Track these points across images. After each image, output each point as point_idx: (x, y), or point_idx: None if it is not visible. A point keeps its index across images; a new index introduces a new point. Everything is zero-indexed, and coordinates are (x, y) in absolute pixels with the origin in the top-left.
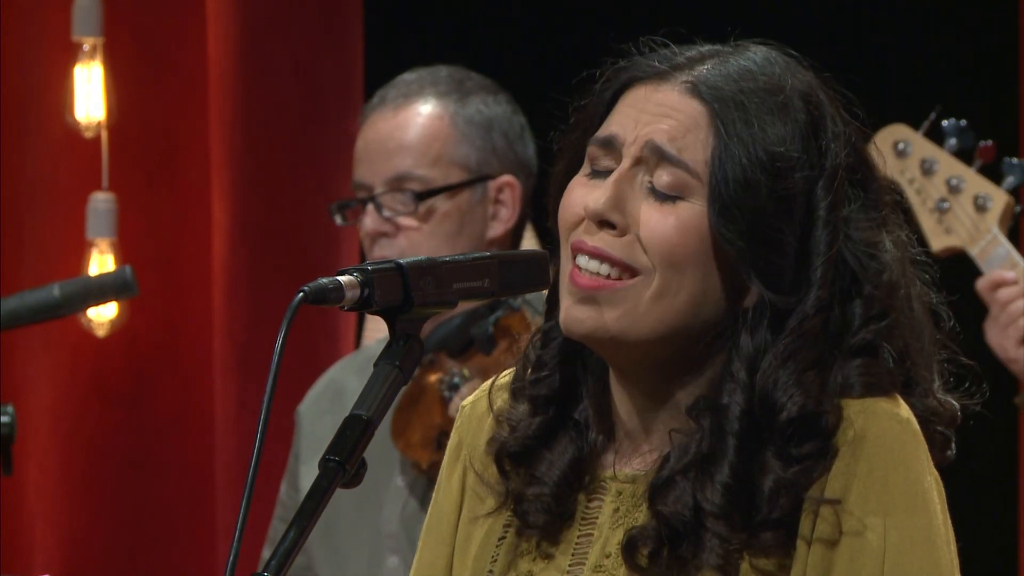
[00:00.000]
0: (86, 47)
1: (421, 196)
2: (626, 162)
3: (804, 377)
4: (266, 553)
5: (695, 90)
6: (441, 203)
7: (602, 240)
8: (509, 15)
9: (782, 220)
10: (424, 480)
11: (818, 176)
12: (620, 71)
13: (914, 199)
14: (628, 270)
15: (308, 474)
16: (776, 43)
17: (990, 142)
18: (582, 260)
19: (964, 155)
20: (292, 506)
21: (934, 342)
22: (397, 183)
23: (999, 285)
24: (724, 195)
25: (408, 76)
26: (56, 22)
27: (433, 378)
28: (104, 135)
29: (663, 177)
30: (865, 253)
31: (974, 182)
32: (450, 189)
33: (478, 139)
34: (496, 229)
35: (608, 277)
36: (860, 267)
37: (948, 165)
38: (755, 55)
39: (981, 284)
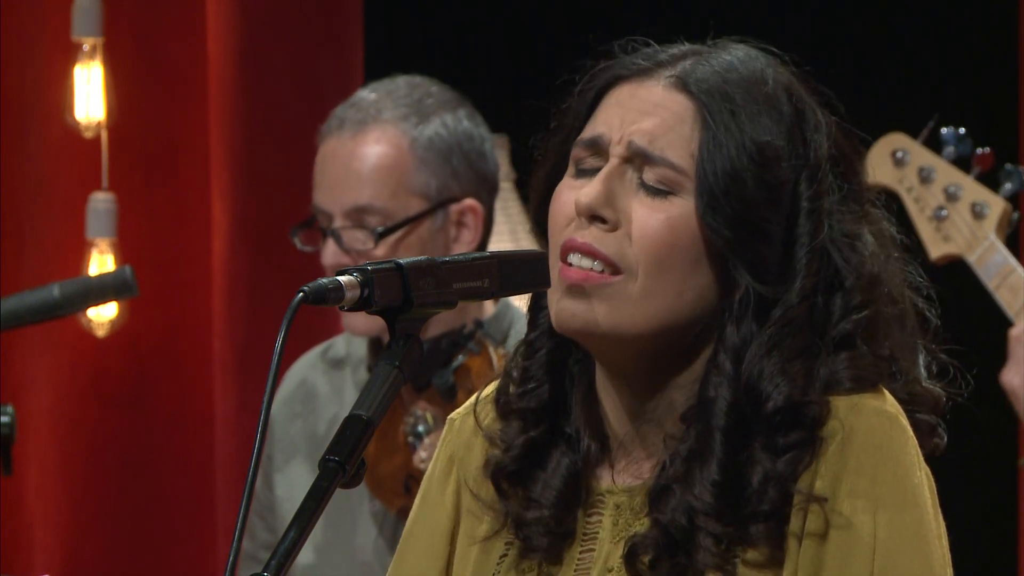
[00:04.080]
0: (86, 47)
1: (382, 233)
2: (614, 159)
3: (789, 367)
4: (247, 546)
5: (681, 84)
6: (403, 236)
7: (591, 235)
8: (509, 15)
9: (769, 210)
10: (394, 517)
11: (802, 167)
12: (602, 70)
13: (912, 207)
14: (613, 267)
15: (281, 478)
16: (753, 40)
17: (988, 150)
18: (574, 258)
19: (962, 163)
20: (267, 504)
21: (917, 333)
22: (356, 216)
23: None
24: (712, 186)
25: (366, 95)
26: (56, 22)
27: (398, 415)
28: (104, 135)
29: (651, 174)
30: (846, 245)
31: (972, 189)
32: (411, 222)
33: (438, 165)
34: (458, 252)
35: (598, 272)
36: (842, 259)
37: (946, 173)
38: (736, 51)
39: (1015, 332)
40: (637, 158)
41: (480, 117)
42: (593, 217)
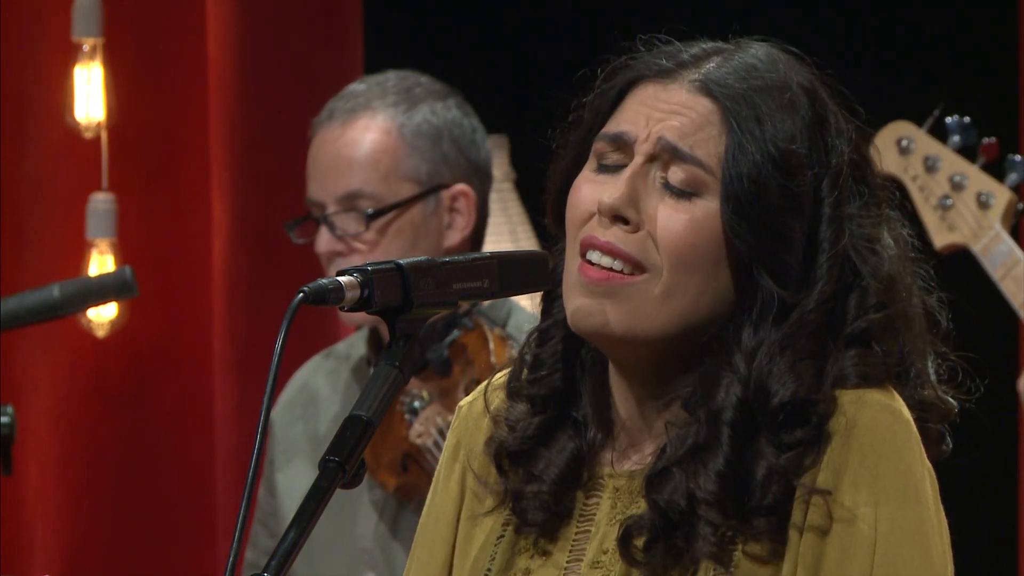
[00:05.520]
0: (86, 47)
1: (372, 215)
2: (639, 158)
3: (799, 366)
4: (250, 555)
5: (705, 88)
6: (393, 219)
7: (614, 235)
8: (508, 15)
9: (791, 216)
10: (394, 500)
11: (824, 173)
12: (624, 68)
13: (917, 196)
14: (637, 266)
15: (284, 480)
16: (775, 40)
17: (993, 139)
18: (594, 255)
19: (967, 152)
20: (269, 511)
21: (931, 338)
22: (348, 202)
23: None
24: (737, 192)
25: (356, 87)
26: (56, 22)
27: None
28: (104, 135)
29: (677, 174)
30: (866, 248)
31: (977, 179)
32: (401, 205)
33: (427, 150)
34: (452, 238)
35: (619, 272)
36: (861, 261)
37: (951, 162)
38: (757, 52)
39: None
40: (665, 154)
41: (470, 108)
42: (616, 217)
